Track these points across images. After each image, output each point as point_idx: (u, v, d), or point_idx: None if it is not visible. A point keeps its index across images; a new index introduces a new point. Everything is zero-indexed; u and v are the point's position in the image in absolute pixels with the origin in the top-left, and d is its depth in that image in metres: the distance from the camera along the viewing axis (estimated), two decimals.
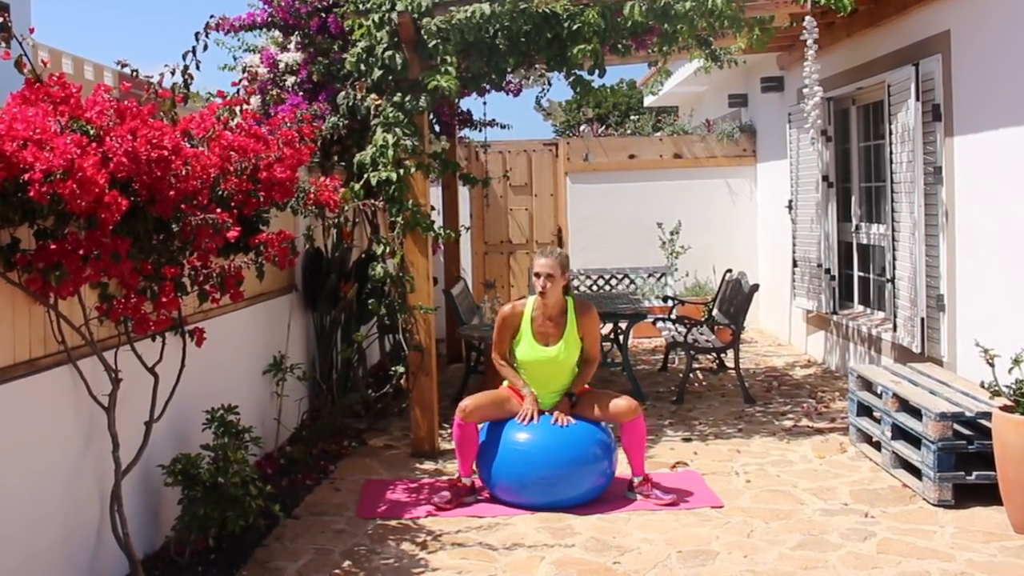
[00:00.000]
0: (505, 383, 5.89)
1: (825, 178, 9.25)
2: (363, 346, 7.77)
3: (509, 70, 6.90)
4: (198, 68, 4.71)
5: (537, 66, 7.17)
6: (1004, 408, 4.97)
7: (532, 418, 5.61)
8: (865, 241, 8.81)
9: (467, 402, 5.67)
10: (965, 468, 5.31)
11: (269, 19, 7.31)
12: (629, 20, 6.32)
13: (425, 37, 6.41)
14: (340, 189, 5.67)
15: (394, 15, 6.46)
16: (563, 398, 5.73)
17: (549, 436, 5.53)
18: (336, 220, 6.59)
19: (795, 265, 10.07)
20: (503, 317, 5.86)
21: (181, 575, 4.55)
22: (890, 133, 7.62)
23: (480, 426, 5.73)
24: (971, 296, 6.58)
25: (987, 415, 5.20)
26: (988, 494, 5.22)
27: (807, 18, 6.83)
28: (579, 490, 5.51)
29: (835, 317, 9.12)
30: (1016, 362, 4.95)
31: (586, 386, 5.91)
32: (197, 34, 4.77)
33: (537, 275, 5.72)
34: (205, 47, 4.71)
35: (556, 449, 5.48)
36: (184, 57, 4.68)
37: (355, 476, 6.25)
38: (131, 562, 4.28)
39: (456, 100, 8.96)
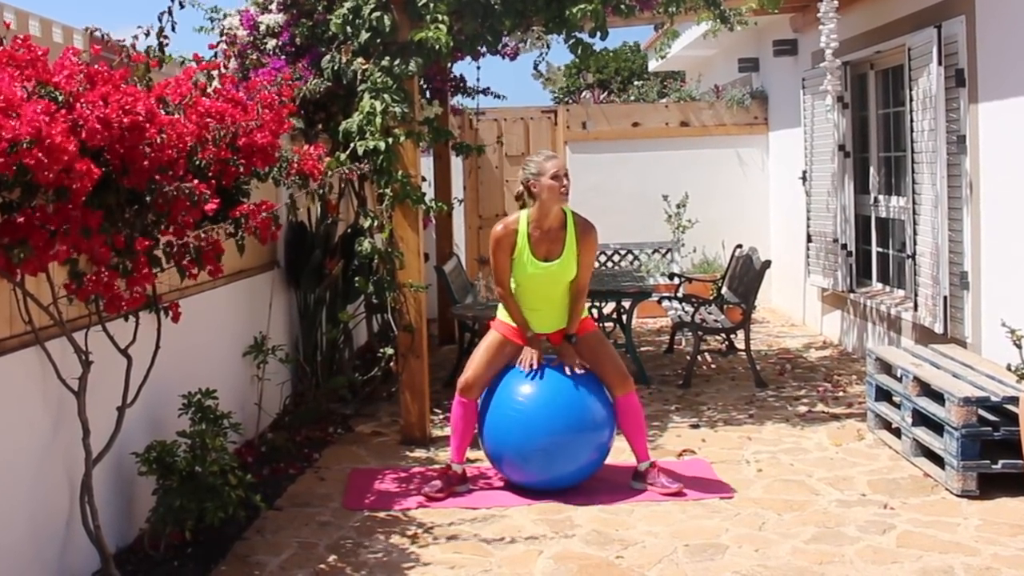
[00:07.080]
0: (496, 322, 5.78)
1: (841, 147, 9.23)
2: (349, 326, 7.76)
3: (505, 32, 6.85)
4: (173, 30, 4.69)
5: (535, 28, 7.12)
6: None
7: (532, 365, 5.51)
8: (884, 215, 8.81)
9: (467, 375, 5.59)
10: (990, 456, 5.31)
11: None
12: None
13: None
14: (325, 158, 5.64)
15: None
16: (564, 342, 5.63)
17: (549, 393, 5.47)
18: (320, 191, 6.56)
19: (809, 240, 10.06)
20: (497, 239, 5.63)
21: (156, 570, 4.54)
22: (911, 100, 7.59)
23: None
24: (997, 273, 6.58)
25: (1014, 400, 5.21)
26: (1015, 484, 5.24)
27: None
28: (576, 463, 5.50)
29: (852, 296, 9.13)
30: None
31: (590, 322, 5.79)
32: None
33: (555, 176, 5.50)
34: (181, 5, 4.68)
35: (556, 408, 5.43)
36: (159, 19, 4.66)
37: (341, 465, 6.25)
38: (102, 556, 4.27)
39: (448, 65, 8.91)
